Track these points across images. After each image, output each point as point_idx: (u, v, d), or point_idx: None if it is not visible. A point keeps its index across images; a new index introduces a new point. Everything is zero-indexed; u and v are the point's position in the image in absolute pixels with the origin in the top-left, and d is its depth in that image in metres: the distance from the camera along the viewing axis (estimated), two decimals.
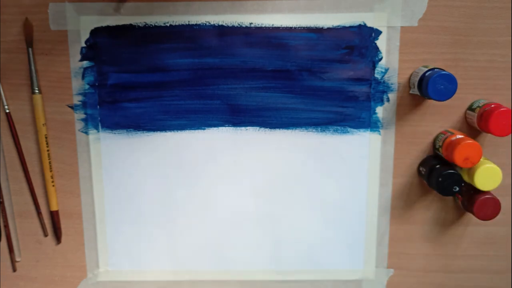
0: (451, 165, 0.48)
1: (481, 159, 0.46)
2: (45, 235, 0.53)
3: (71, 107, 0.51)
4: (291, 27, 0.48)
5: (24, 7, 0.49)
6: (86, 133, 0.51)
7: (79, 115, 0.51)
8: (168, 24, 0.49)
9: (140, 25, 0.49)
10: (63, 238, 0.54)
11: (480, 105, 0.48)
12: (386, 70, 0.49)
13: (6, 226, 0.53)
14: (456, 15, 0.48)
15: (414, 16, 0.48)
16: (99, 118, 0.51)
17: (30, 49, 0.49)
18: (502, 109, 0.45)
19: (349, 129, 0.51)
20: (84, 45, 0.49)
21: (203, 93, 0.50)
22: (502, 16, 0.48)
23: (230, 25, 0.49)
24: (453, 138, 0.47)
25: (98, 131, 0.51)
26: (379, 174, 0.52)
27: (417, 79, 0.47)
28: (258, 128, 0.51)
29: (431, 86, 0.45)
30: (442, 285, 0.55)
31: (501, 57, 0.49)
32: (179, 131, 0.51)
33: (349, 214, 0.53)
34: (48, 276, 0.55)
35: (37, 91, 0.50)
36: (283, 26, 0.48)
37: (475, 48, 0.49)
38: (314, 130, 0.51)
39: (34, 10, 0.49)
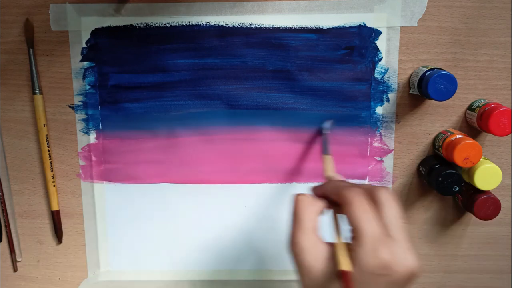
0: (451, 165, 0.48)
1: (481, 159, 0.46)
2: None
3: (72, 108, 0.51)
4: (291, 28, 0.49)
5: (25, 8, 0.49)
6: (87, 133, 0.51)
7: (80, 115, 0.51)
8: (168, 25, 0.49)
9: (141, 25, 0.49)
10: (64, 238, 0.54)
11: (480, 105, 0.48)
12: (386, 70, 0.49)
13: (7, 226, 0.53)
14: (456, 16, 0.48)
15: (414, 16, 0.48)
16: (100, 119, 0.51)
17: (31, 49, 0.49)
18: (502, 109, 0.45)
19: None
20: (85, 45, 0.49)
21: (204, 94, 0.50)
22: (502, 16, 0.48)
23: (230, 25, 0.49)
24: (453, 138, 0.47)
25: (99, 132, 0.51)
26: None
27: (417, 79, 0.47)
28: (258, 128, 0.51)
29: (431, 86, 0.45)
30: (442, 285, 0.55)
31: (501, 57, 0.49)
32: (179, 131, 0.51)
33: None
34: (49, 276, 0.55)
35: (38, 91, 0.50)
36: (283, 26, 0.49)
37: (475, 48, 0.49)
38: (314, 130, 0.51)
39: (35, 10, 0.49)
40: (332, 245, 0.35)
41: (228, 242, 0.54)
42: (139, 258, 0.54)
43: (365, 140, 0.51)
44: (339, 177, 0.43)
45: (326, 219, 0.38)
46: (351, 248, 0.34)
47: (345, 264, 0.33)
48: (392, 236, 0.33)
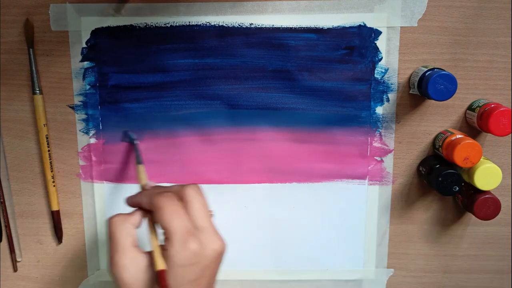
0: (451, 165, 0.48)
1: (481, 159, 0.46)
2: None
3: (72, 108, 0.51)
4: (291, 28, 0.49)
5: (25, 8, 0.49)
6: (87, 133, 0.51)
7: (80, 115, 0.51)
8: (168, 25, 0.49)
9: (141, 25, 0.49)
10: (64, 238, 0.54)
11: (480, 105, 0.48)
12: (386, 70, 0.49)
13: (7, 226, 0.53)
14: (456, 16, 0.48)
15: (414, 16, 0.48)
16: (100, 119, 0.51)
17: (31, 49, 0.49)
18: (502, 109, 0.45)
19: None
20: (85, 45, 0.49)
21: (204, 94, 0.50)
22: (502, 16, 0.48)
23: (230, 25, 0.49)
24: (453, 138, 0.47)
25: (99, 132, 0.51)
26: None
27: (417, 79, 0.47)
28: (258, 128, 0.51)
29: (431, 86, 0.45)
30: (442, 285, 0.55)
31: (501, 57, 0.49)
32: (179, 131, 0.51)
33: (349, 214, 0.53)
34: (49, 276, 0.55)
35: (38, 91, 0.50)
36: (283, 26, 0.49)
37: (475, 48, 0.49)
38: (314, 130, 0.51)
39: (35, 10, 0.49)
40: (151, 253, 0.38)
41: (228, 242, 0.54)
42: None
43: (365, 140, 0.51)
44: (152, 184, 0.45)
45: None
46: (165, 248, 0.37)
47: (160, 264, 0.36)
48: (199, 227, 0.38)
